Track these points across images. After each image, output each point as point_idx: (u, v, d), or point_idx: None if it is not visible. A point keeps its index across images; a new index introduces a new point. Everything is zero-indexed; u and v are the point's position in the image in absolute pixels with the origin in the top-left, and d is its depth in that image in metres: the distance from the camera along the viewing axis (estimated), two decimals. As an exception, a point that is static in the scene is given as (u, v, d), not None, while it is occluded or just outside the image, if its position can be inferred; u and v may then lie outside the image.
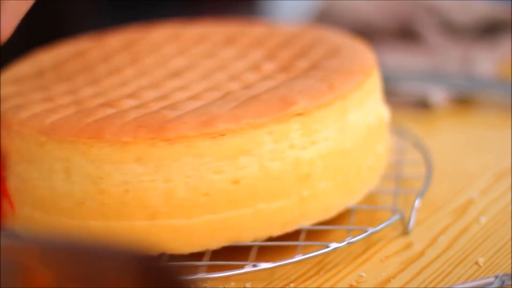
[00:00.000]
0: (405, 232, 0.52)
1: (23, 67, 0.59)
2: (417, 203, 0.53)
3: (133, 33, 0.63)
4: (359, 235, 0.49)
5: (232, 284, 0.48)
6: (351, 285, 0.47)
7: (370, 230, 0.50)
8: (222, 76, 0.53)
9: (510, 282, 0.45)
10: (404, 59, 0.81)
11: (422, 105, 0.72)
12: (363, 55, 0.55)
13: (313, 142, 0.48)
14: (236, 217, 0.48)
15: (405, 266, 0.48)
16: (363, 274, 0.48)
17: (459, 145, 0.65)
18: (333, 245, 0.48)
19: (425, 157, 0.58)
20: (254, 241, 0.49)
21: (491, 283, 0.45)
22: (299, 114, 0.48)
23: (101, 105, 0.50)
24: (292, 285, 0.47)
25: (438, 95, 0.72)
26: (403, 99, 0.72)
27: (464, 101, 0.73)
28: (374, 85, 0.54)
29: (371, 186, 0.53)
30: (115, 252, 0.32)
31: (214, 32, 0.62)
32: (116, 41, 0.62)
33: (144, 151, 0.46)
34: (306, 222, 0.50)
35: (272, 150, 0.47)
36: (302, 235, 0.49)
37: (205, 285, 0.48)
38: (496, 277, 0.45)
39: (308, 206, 0.49)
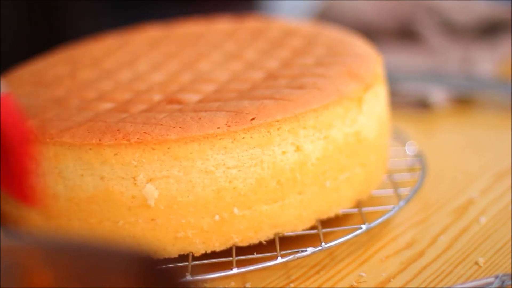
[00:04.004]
0: None
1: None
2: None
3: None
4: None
5: (232, 284, 0.48)
6: (351, 285, 0.47)
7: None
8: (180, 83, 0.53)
9: (510, 282, 0.45)
10: (404, 59, 0.81)
11: (422, 105, 0.72)
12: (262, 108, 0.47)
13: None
14: None
15: (405, 266, 0.48)
16: (363, 274, 0.48)
17: (459, 145, 0.65)
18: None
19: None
20: None
21: (491, 283, 0.45)
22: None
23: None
24: (292, 285, 0.48)
25: (438, 95, 0.72)
26: (403, 99, 0.72)
27: (464, 101, 0.73)
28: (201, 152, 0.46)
29: None
30: (115, 253, 0.32)
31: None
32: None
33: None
34: None
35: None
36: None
37: (205, 285, 0.48)
38: (496, 277, 0.45)
39: None
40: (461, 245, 0.50)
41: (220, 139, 0.46)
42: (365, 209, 0.51)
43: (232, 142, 0.46)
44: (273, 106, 0.47)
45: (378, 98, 0.53)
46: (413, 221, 0.53)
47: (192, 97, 0.50)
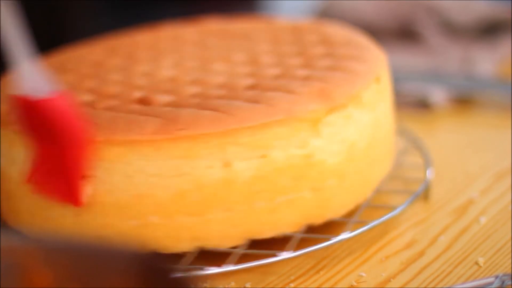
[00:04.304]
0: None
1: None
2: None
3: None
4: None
5: (232, 284, 0.48)
6: (351, 285, 0.47)
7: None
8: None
9: (510, 282, 0.45)
10: (404, 59, 0.81)
11: (422, 105, 0.72)
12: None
13: None
14: None
15: (405, 266, 0.48)
16: (363, 274, 0.48)
17: (459, 145, 0.65)
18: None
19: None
20: None
21: (491, 283, 0.45)
22: None
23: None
24: (292, 285, 0.48)
25: (438, 95, 0.72)
26: (403, 99, 0.72)
27: (464, 101, 0.73)
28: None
29: None
30: (115, 252, 0.32)
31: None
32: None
33: None
34: None
35: None
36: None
37: (205, 285, 0.48)
38: (496, 277, 0.45)
39: None
40: (461, 245, 0.50)
41: (143, 146, 0.45)
42: (305, 235, 0.49)
43: (154, 150, 0.45)
44: (208, 118, 0.46)
45: (351, 121, 0.49)
46: (413, 221, 0.53)
47: (164, 99, 0.49)
